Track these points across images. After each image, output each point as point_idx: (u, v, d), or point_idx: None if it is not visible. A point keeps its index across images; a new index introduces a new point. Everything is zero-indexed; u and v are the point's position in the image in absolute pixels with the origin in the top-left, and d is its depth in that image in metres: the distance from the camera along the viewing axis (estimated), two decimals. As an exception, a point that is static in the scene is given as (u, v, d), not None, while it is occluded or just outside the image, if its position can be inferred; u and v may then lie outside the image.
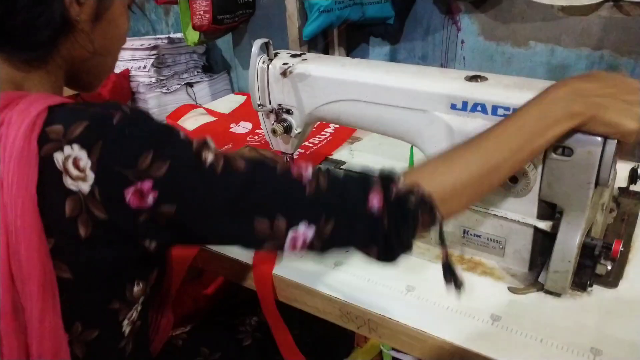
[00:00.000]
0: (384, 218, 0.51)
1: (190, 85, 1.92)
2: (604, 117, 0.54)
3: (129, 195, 0.49)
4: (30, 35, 0.55)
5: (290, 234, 0.51)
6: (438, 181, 0.54)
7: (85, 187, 0.49)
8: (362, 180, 0.54)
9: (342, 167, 1.07)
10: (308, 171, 0.54)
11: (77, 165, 0.49)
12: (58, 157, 0.49)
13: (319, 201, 0.52)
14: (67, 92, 0.64)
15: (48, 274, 0.50)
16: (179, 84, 1.88)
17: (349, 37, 1.76)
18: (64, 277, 0.52)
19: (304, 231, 0.51)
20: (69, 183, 0.49)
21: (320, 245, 0.52)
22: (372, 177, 0.54)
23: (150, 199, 0.50)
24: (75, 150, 0.49)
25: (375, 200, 0.51)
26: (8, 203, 0.48)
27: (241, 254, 0.81)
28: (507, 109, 0.67)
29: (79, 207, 0.50)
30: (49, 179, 0.49)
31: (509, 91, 0.68)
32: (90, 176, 0.49)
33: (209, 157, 0.52)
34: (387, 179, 0.53)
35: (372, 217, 0.51)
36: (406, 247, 0.54)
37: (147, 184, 0.49)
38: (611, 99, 0.55)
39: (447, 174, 0.55)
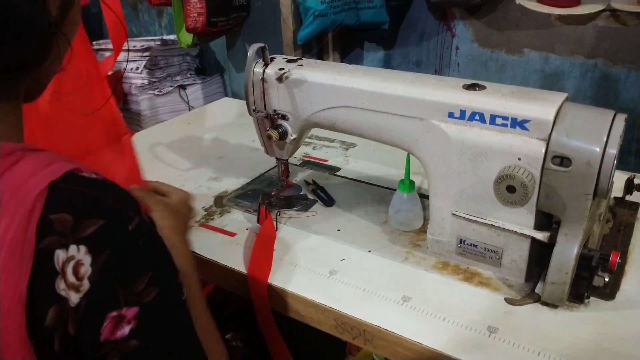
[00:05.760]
0: None
1: (183, 87, 1.90)
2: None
3: (107, 321, 0.42)
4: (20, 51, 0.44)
5: None
6: None
7: (75, 298, 0.41)
8: None
9: (337, 173, 1.06)
10: None
11: (76, 272, 0.41)
12: (60, 255, 0.41)
13: None
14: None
15: None
16: (171, 86, 1.86)
17: (344, 41, 1.75)
18: None
19: None
20: (60, 288, 0.41)
21: None
22: None
23: (125, 330, 0.42)
24: (81, 254, 0.41)
25: None
26: None
27: (235, 261, 0.80)
28: (505, 118, 0.67)
29: (59, 319, 0.41)
30: (41, 279, 0.41)
31: (507, 100, 0.68)
32: (85, 287, 0.41)
33: (184, 292, 0.48)
34: None
35: None
36: None
37: (132, 311, 0.42)
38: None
39: None
